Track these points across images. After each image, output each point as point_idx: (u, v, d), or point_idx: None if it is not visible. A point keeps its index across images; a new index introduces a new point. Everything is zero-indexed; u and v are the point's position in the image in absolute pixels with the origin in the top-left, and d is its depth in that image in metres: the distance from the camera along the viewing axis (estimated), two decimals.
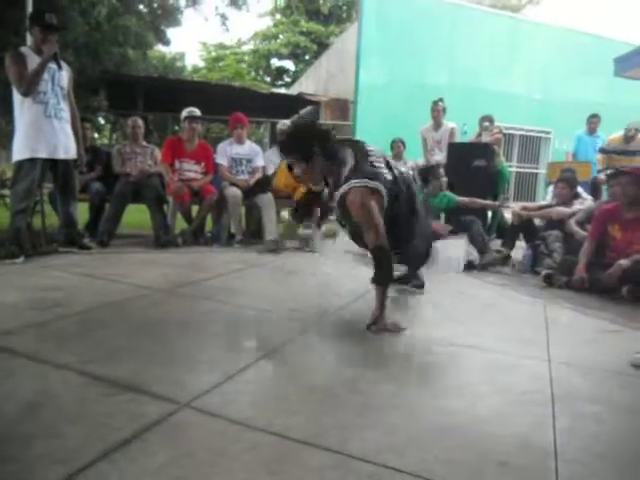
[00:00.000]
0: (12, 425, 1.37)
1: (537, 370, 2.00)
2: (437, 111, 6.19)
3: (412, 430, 1.46)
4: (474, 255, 4.27)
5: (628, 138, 6.32)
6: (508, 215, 5.37)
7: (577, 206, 4.43)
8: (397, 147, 6.36)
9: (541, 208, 4.71)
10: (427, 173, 4.82)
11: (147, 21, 11.81)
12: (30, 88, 3.57)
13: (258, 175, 5.05)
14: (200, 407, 1.51)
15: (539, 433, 1.49)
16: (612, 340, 2.52)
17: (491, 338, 2.39)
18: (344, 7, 22.64)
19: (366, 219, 2.34)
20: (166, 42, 14.25)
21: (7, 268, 3.31)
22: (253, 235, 5.12)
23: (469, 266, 4.14)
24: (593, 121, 7.19)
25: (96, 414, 1.44)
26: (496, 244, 4.83)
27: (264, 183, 4.96)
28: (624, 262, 3.37)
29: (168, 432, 1.38)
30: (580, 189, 5.01)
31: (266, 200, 4.78)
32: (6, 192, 4.37)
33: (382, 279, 2.39)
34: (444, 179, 4.75)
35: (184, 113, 4.99)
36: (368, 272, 2.52)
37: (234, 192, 4.75)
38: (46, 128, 3.65)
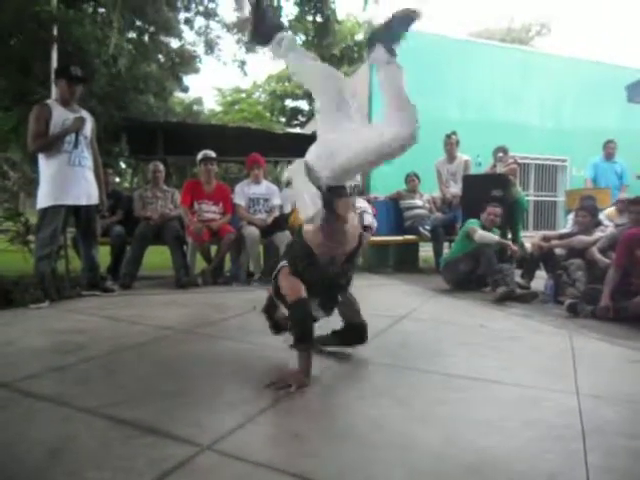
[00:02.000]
0: (35, 470, 1.37)
1: (565, 403, 1.94)
2: (450, 144, 6.25)
3: (438, 469, 1.42)
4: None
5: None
6: (528, 245, 5.32)
7: (599, 234, 4.37)
8: (412, 181, 6.39)
9: (562, 237, 4.65)
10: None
11: (166, 69, 12.27)
12: (44, 149, 3.73)
13: (275, 214, 5.12)
14: (222, 450, 1.50)
15: (571, 470, 1.44)
16: None
17: (516, 371, 2.33)
18: (355, 48, 23.23)
19: None
20: (184, 89, 14.76)
21: (32, 313, 3.38)
22: (271, 273, 5.13)
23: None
24: (610, 146, 7.09)
25: (118, 458, 1.44)
26: (516, 274, 4.76)
27: (281, 221, 5.02)
28: None
29: (190, 476, 1.37)
30: (601, 216, 4.96)
31: (284, 238, 4.81)
32: (31, 238, 4.49)
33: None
34: (499, 210, 4.77)
35: (199, 156, 5.13)
36: (389, 308, 2.51)
37: (252, 231, 4.81)
38: (70, 176, 3.77)
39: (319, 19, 6.88)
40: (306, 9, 6.89)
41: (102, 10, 6.97)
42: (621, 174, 7.11)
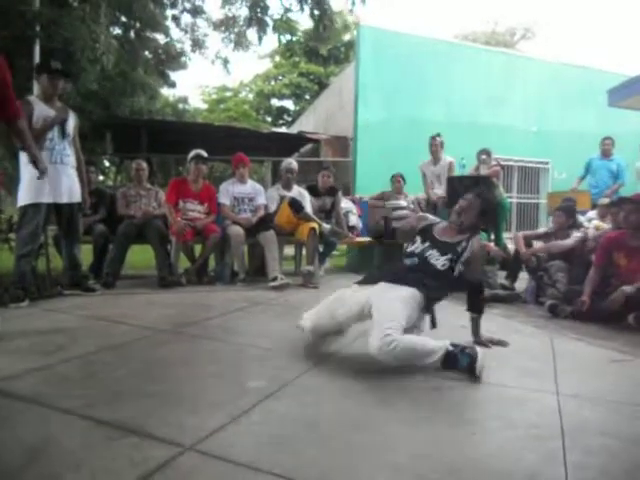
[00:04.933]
0: (14, 472, 1.35)
1: (546, 403, 1.97)
2: (435, 146, 6.29)
3: (420, 470, 1.43)
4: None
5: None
6: (511, 246, 5.38)
7: (577, 234, 4.44)
8: (397, 182, 6.42)
9: (540, 236, 4.75)
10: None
11: (152, 65, 12.16)
12: None
13: (260, 213, 5.10)
14: (204, 450, 1.49)
15: (550, 468, 1.46)
16: (620, 370, 2.49)
17: (498, 371, 2.36)
18: (342, 48, 23.31)
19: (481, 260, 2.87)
20: (171, 84, 14.63)
21: (12, 312, 3.32)
22: (256, 273, 5.13)
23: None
24: (606, 143, 6.98)
25: (99, 459, 1.43)
26: (500, 276, 4.81)
27: (266, 221, 5.01)
28: (627, 288, 3.36)
29: (172, 477, 1.36)
30: (582, 218, 5.04)
31: (269, 237, 4.81)
32: (12, 236, 4.42)
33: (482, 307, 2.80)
34: None
35: (191, 154, 5.09)
36: None
37: (237, 230, 4.79)
38: (51, 174, 3.70)
39: (316, 12, 6.90)
40: (304, 3, 6.90)
41: (88, 8, 6.88)
42: (617, 172, 6.97)
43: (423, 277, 2.55)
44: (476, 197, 2.85)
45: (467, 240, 2.75)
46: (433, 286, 2.54)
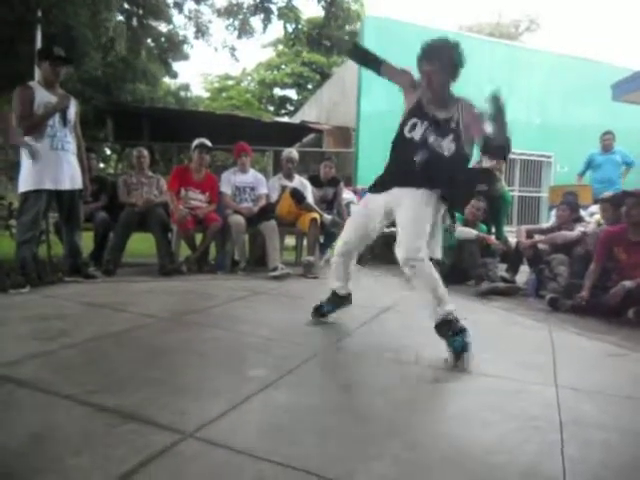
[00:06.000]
0: (16, 458, 1.36)
1: (544, 396, 1.98)
2: None
3: (418, 460, 1.44)
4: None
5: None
6: (512, 239, 5.38)
7: (580, 229, 4.44)
8: None
9: (543, 231, 4.73)
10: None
11: (154, 54, 12.10)
12: (30, 131, 3.65)
13: (262, 203, 5.10)
14: (205, 437, 1.50)
15: (548, 461, 1.47)
16: (619, 364, 2.50)
17: (497, 364, 2.37)
18: (345, 37, 23.14)
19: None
20: (173, 75, 14.55)
21: (13, 298, 3.33)
22: (257, 262, 5.13)
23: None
24: (607, 138, 7.03)
25: (100, 445, 1.44)
26: (500, 268, 4.81)
27: (268, 211, 5.00)
28: (628, 283, 3.36)
29: (172, 463, 1.37)
30: (584, 212, 5.04)
31: (270, 227, 4.80)
32: (13, 222, 4.41)
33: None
34: (482, 204, 4.78)
35: (195, 142, 5.07)
36: (373, 299, 2.52)
37: (238, 220, 4.79)
38: (52, 160, 3.71)
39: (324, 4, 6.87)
40: None
41: None
42: (622, 160, 7.00)
43: (433, 175, 2.47)
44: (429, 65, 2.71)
45: (457, 109, 2.63)
46: (446, 181, 2.47)
